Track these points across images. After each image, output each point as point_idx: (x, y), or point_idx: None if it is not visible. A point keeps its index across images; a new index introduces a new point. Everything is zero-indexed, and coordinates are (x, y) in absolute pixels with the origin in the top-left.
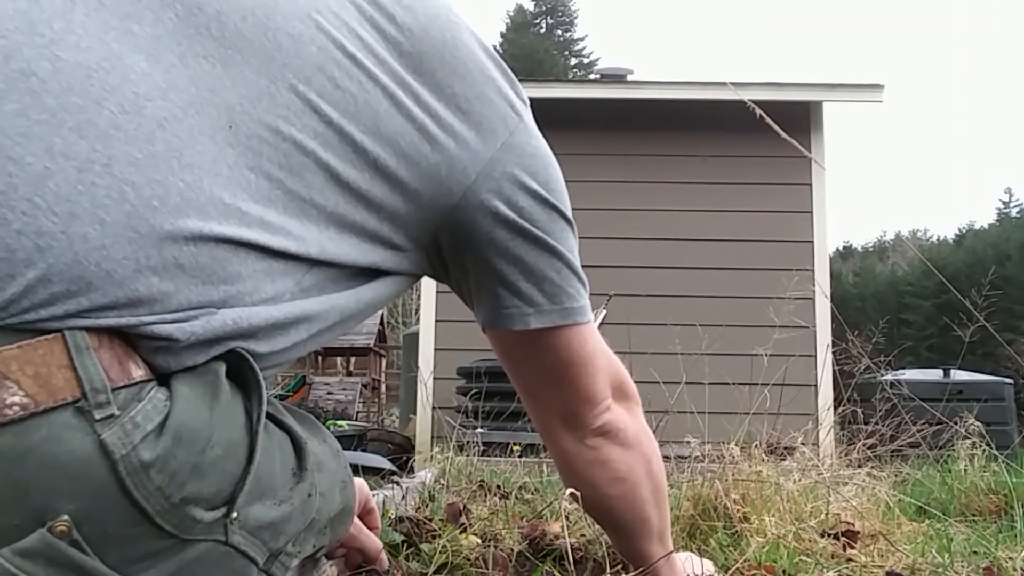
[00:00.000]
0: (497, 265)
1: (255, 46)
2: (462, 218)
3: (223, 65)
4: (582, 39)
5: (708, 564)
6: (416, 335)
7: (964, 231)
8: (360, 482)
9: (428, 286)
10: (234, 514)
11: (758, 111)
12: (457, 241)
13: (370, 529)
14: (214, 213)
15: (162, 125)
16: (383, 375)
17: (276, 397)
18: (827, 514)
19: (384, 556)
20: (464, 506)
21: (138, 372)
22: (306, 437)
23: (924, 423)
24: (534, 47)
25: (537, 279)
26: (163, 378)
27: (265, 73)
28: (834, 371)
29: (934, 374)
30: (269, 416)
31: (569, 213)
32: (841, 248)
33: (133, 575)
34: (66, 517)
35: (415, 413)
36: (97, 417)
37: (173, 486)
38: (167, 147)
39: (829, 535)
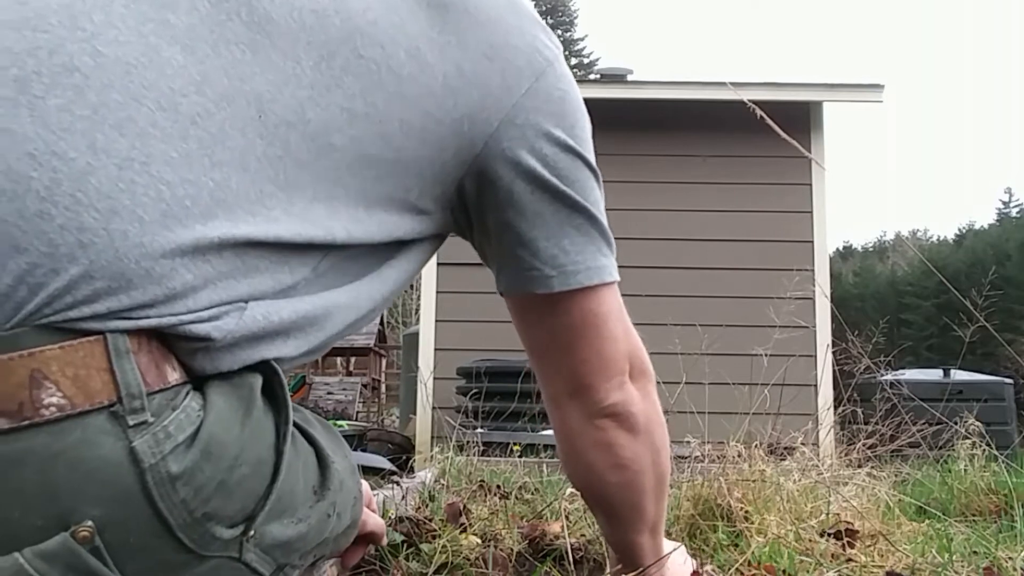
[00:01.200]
0: (516, 222)
1: (282, 28)
2: (484, 168)
3: (252, 51)
4: (582, 39)
5: (690, 563)
6: (416, 335)
7: (964, 231)
8: (363, 484)
9: (428, 286)
10: (251, 532)
11: (758, 111)
12: (480, 194)
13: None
14: (241, 213)
15: (195, 122)
16: (383, 375)
17: None
18: (827, 514)
19: (385, 534)
20: (464, 506)
21: (174, 375)
22: (332, 455)
23: (924, 423)
24: None
25: (558, 237)
26: (199, 382)
27: (291, 55)
28: (834, 371)
29: (934, 374)
30: (297, 427)
31: (593, 161)
32: (841, 248)
33: None
34: (90, 523)
35: (415, 413)
36: (131, 423)
37: (197, 501)
38: (199, 145)
39: (829, 535)
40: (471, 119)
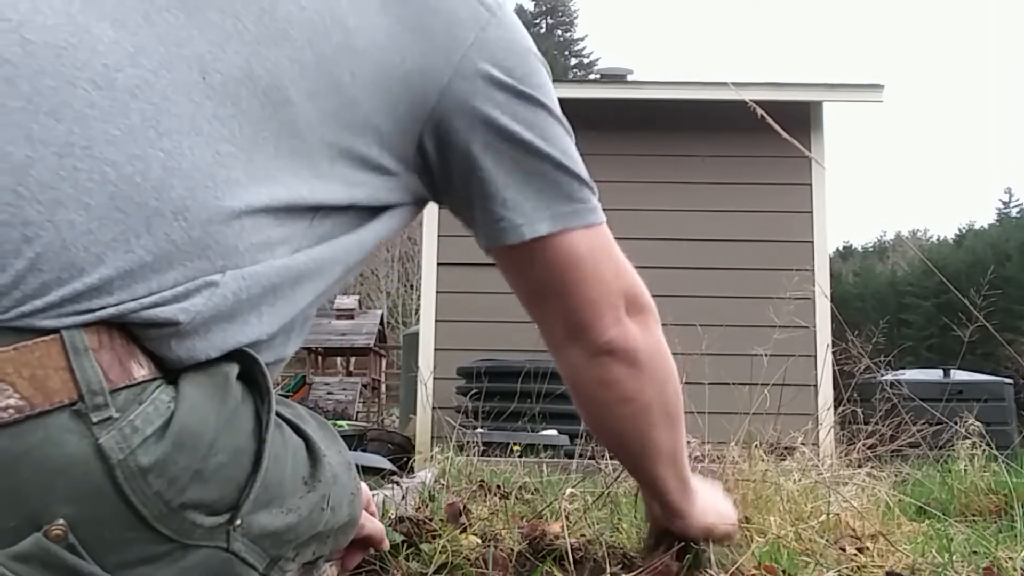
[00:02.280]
0: (480, 174)
1: None
2: (440, 122)
3: (186, 14)
4: (582, 39)
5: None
6: (416, 335)
7: (964, 231)
8: (361, 485)
9: (428, 286)
10: (238, 521)
11: (759, 111)
12: (440, 150)
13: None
14: (199, 178)
15: (135, 95)
16: (383, 375)
17: None
18: (828, 514)
19: (385, 537)
20: (464, 506)
21: (140, 372)
22: (324, 448)
23: (924, 423)
24: None
25: (521, 185)
26: (173, 375)
27: (230, 12)
28: (834, 371)
29: (934, 374)
30: (288, 421)
31: (555, 107)
32: (841, 248)
33: None
34: (62, 521)
35: (415, 413)
36: (94, 420)
37: (172, 491)
38: (143, 117)
39: (832, 543)
40: (421, 73)
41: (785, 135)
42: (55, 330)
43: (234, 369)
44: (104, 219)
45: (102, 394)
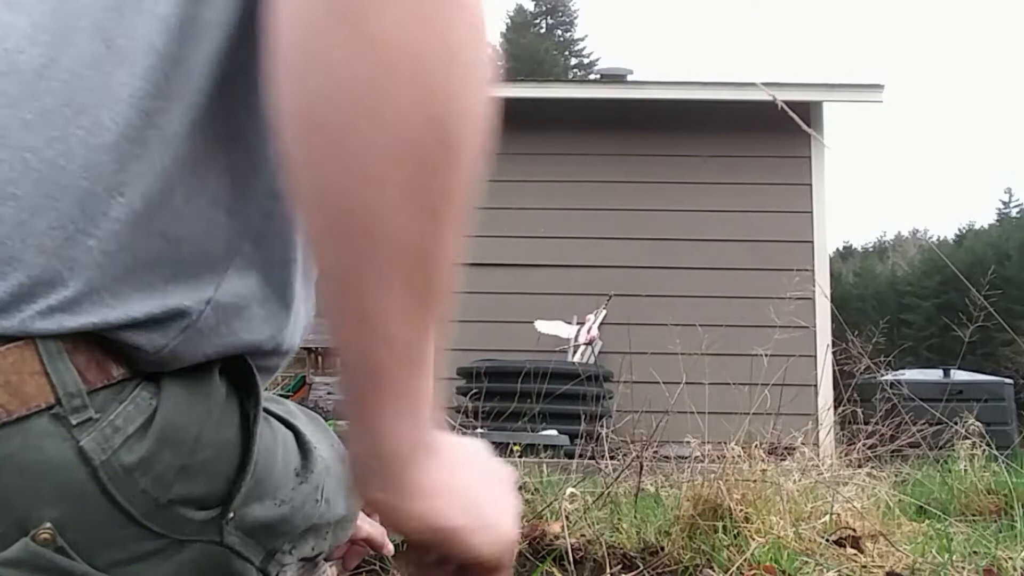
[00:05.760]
0: None
1: None
2: None
3: None
4: (582, 39)
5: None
6: None
7: (964, 231)
8: None
9: None
10: (230, 514)
11: (780, 102)
12: None
13: (366, 535)
14: (128, 147)
15: (41, 75)
16: None
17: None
18: (829, 514)
19: (388, 540)
20: None
21: (119, 370)
22: (315, 441)
23: (924, 423)
24: (534, 47)
25: None
26: (153, 369)
27: None
28: (834, 371)
29: (934, 374)
30: (275, 415)
31: None
32: (841, 248)
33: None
34: (49, 524)
35: None
36: (74, 423)
37: (159, 488)
38: (54, 97)
39: (832, 542)
40: None
41: (806, 127)
42: (28, 335)
43: (217, 362)
44: (36, 208)
45: (80, 396)
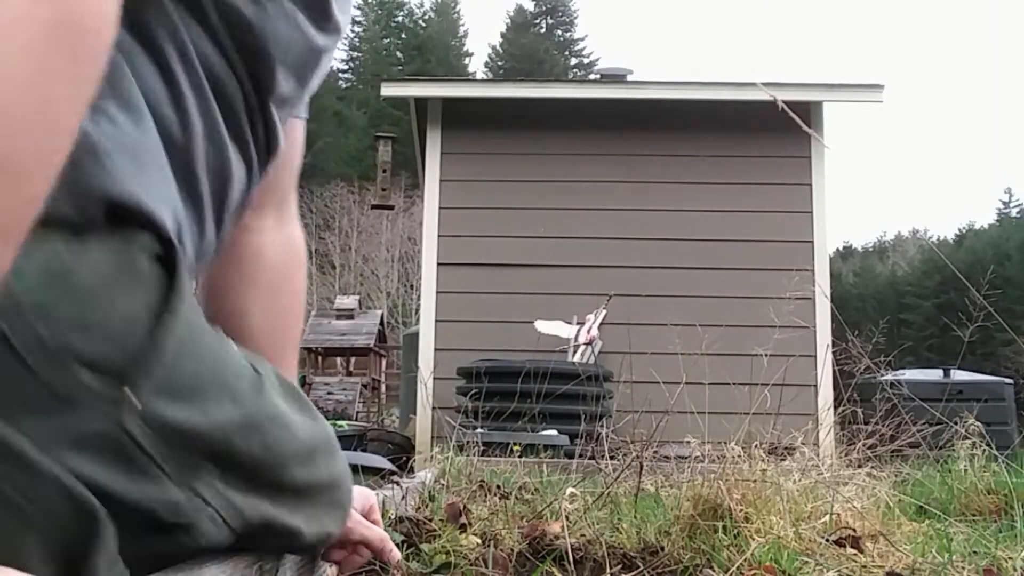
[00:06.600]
0: None
1: None
2: None
3: None
4: (582, 39)
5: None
6: (416, 335)
7: (964, 231)
8: (364, 490)
9: (428, 286)
10: (128, 392)
11: (780, 102)
12: None
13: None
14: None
15: None
16: (383, 375)
17: None
18: (829, 514)
19: (392, 546)
20: (464, 506)
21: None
22: (280, 399)
23: (924, 423)
24: (534, 47)
25: None
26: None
27: None
28: (834, 371)
29: (934, 374)
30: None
31: None
32: (841, 248)
33: (18, 427)
34: None
35: (415, 413)
36: None
37: (55, 338)
38: None
39: (832, 542)
40: None
41: (807, 128)
42: None
43: (148, 243)
44: None
45: None
